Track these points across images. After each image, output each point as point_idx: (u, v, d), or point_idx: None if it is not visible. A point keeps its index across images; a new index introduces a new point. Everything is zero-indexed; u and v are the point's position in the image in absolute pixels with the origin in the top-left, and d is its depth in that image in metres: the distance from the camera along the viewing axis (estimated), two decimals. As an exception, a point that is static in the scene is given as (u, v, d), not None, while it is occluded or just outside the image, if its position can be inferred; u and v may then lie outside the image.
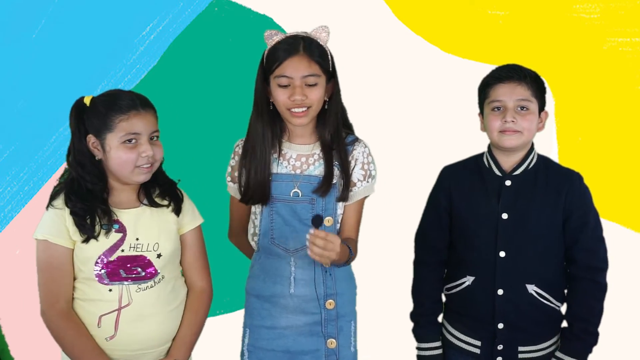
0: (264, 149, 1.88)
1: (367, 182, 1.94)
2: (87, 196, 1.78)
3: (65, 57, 2.82)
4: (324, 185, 1.85)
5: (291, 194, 1.88)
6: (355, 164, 1.90)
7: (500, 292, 1.97)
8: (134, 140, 1.77)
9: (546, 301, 1.99)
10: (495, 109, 1.97)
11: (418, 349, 2.14)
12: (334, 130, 1.88)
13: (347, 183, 1.87)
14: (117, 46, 2.86)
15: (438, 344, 2.12)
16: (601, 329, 1.99)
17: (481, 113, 2.06)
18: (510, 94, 1.95)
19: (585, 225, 1.97)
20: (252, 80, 1.94)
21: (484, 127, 2.04)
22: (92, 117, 1.78)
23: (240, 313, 2.17)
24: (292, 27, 2.93)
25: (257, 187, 1.87)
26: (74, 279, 1.82)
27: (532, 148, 2.02)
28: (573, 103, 2.82)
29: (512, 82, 1.96)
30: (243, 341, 2.02)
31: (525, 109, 1.95)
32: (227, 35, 2.91)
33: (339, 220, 1.94)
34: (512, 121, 1.93)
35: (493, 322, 1.99)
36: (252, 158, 1.88)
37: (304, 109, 1.82)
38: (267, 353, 1.95)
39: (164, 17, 2.88)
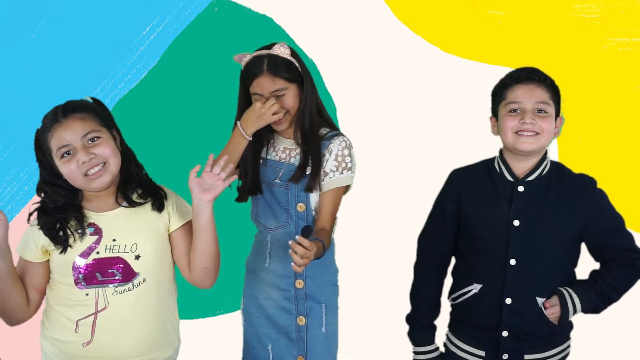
0: (254, 152, 2.11)
1: (342, 173, 2.05)
2: (60, 209, 1.78)
3: (65, 57, 2.82)
4: (296, 173, 2.05)
5: (274, 179, 2.09)
6: (329, 155, 2.05)
7: (508, 301, 1.92)
8: (71, 152, 1.75)
9: None
10: (512, 111, 1.91)
11: (414, 352, 2.12)
12: (308, 127, 2.06)
13: (316, 174, 2.03)
14: (117, 46, 2.86)
15: (433, 347, 2.09)
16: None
17: (494, 116, 2.00)
18: (529, 95, 1.90)
19: (612, 229, 1.94)
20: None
21: (497, 131, 1.97)
22: (41, 144, 1.81)
23: (240, 313, 2.21)
24: (292, 27, 2.95)
25: (251, 188, 2.13)
26: (51, 286, 1.83)
27: (545, 154, 1.97)
28: (573, 103, 2.82)
29: (531, 84, 1.91)
30: (242, 305, 2.24)
31: (543, 112, 1.89)
32: (227, 35, 2.91)
33: (313, 208, 2.09)
34: (532, 123, 1.88)
35: (497, 330, 1.95)
36: (243, 161, 2.11)
37: (281, 115, 2.04)
38: (255, 319, 2.16)
39: (164, 17, 2.89)
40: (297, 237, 1.78)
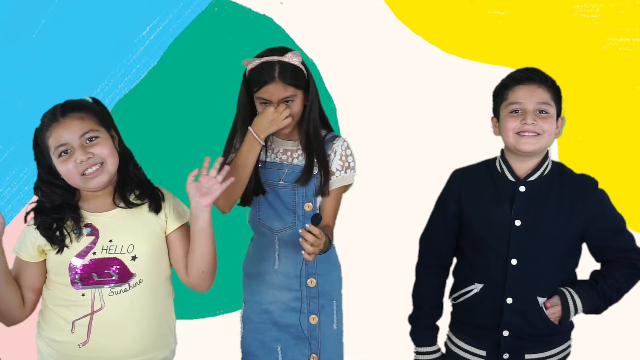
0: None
1: (346, 172, 2.11)
2: (57, 209, 1.78)
3: (65, 57, 2.82)
4: (304, 176, 2.07)
5: (278, 181, 2.10)
6: (335, 156, 2.10)
7: (509, 300, 1.93)
8: (69, 151, 1.75)
9: None
10: (514, 112, 1.92)
11: (416, 353, 2.12)
12: (312, 131, 2.09)
13: (326, 179, 2.08)
14: (117, 46, 2.86)
15: (435, 348, 2.10)
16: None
17: (496, 117, 2.01)
18: (530, 96, 1.90)
19: (613, 230, 1.95)
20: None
21: (499, 131, 1.98)
22: (39, 143, 1.81)
23: (240, 313, 2.21)
24: (292, 27, 2.95)
25: (254, 190, 2.12)
26: (48, 286, 1.83)
27: (547, 154, 1.97)
28: (573, 103, 2.80)
29: (532, 85, 1.91)
30: (241, 313, 2.23)
31: (544, 112, 1.90)
32: (227, 35, 2.91)
33: (318, 206, 2.12)
34: (533, 123, 1.88)
35: (498, 330, 1.96)
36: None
37: (290, 119, 2.05)
38: (258, 325, 2.15)
39: (164, 17, 2.89)
40: (307, 225, 1.83)
